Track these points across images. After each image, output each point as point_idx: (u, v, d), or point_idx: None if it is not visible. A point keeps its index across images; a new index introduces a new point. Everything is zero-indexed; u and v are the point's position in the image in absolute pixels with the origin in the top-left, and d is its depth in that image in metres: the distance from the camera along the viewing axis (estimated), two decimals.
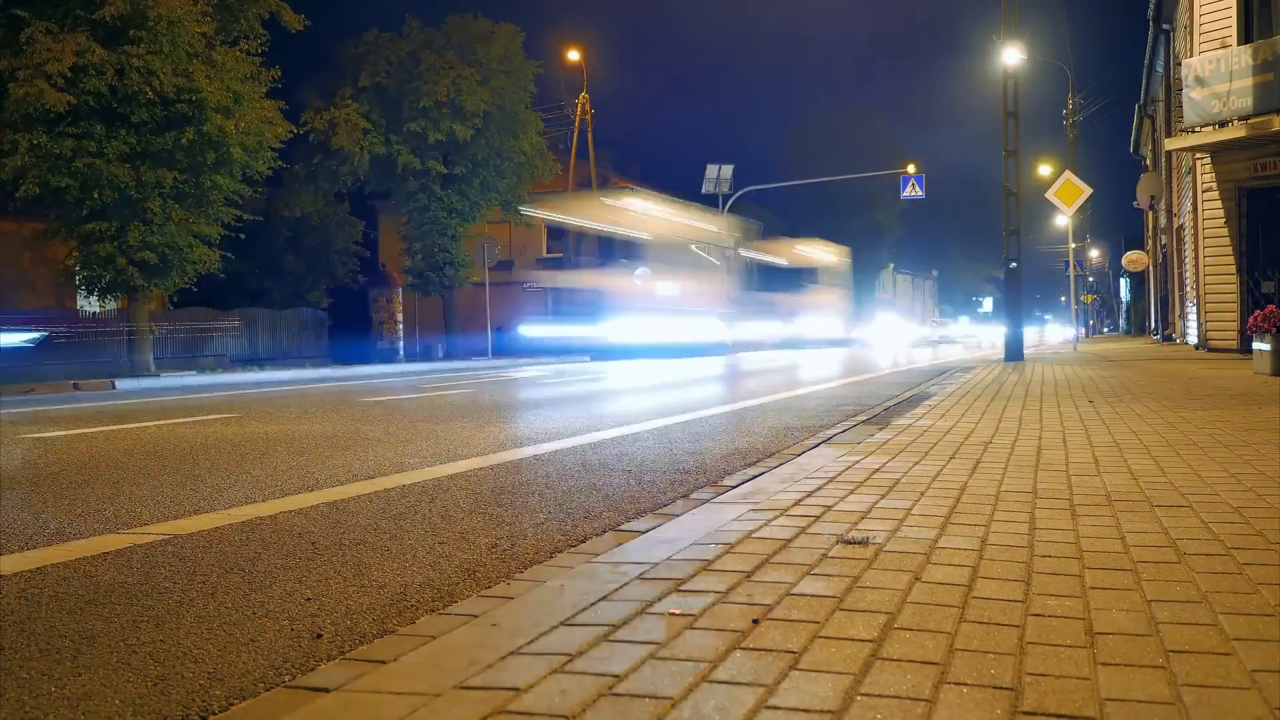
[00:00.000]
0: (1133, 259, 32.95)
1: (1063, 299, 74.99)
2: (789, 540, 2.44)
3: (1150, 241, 33.62)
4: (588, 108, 37.85)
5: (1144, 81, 28.61)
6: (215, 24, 18.10)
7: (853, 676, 1.48)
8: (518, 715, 1.39)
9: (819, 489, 3.21)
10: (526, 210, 26.75)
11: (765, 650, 1.61)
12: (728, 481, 3.52)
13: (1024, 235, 16.06)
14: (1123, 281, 53.58)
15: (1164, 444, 4.25)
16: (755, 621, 1.77)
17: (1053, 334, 56.45)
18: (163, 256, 18.10)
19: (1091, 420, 5.40)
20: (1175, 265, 23.74)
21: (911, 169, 36.85)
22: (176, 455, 5.43)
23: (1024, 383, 9.14)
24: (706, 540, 2.46)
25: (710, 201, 43.38)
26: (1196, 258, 16.85)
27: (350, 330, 27.91)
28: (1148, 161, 31.91)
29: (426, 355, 27.70)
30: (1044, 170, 42.09)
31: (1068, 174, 17.69)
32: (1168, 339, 25.44)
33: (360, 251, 35.06)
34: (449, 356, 27.31)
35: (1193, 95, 15.03)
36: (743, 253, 30.57)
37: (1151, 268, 33.06)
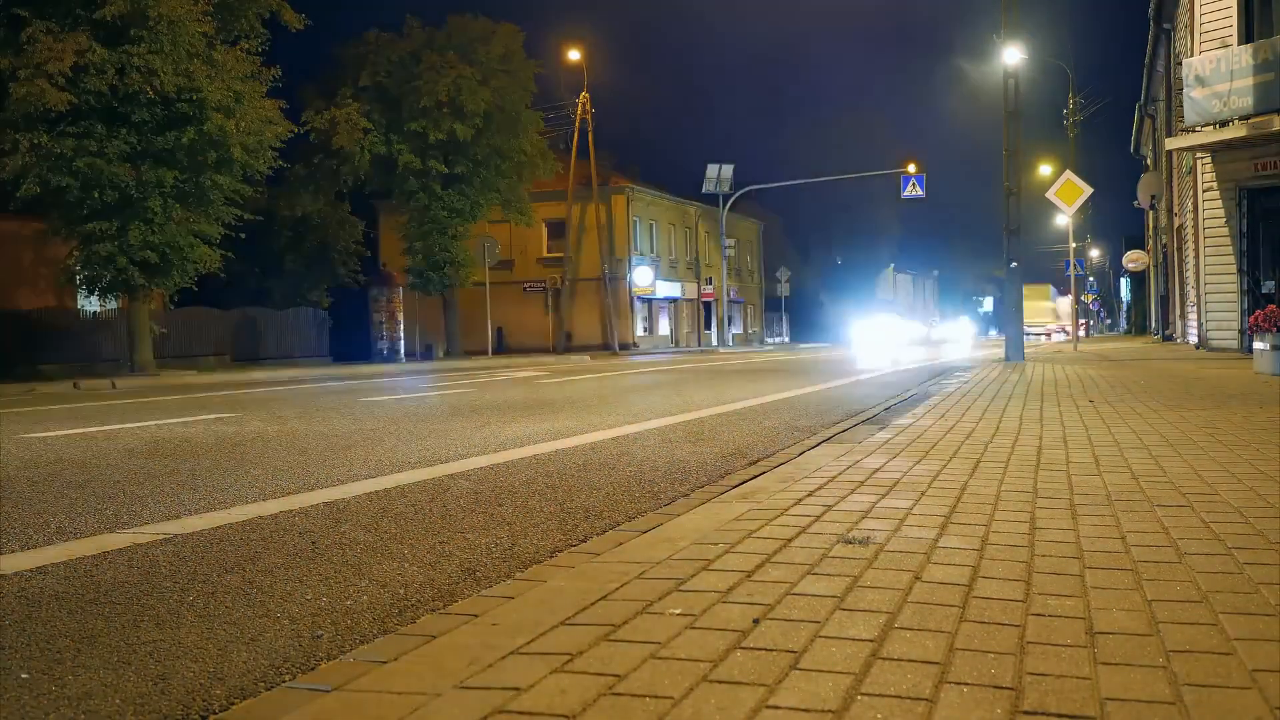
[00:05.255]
0: (1133, 259, 32.94)
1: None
2: (789, 540, 2.44)
3: (1150, 241, 33.58)
4: (588, 107, 37.85)
5: (1144, 81, 28.55)
6: (216, 23, 18.11)
7: (853, 676, 1.48)
8: (518, 715, 1.38)
9: (819, 488, 3.21)
10: None
11: (765, 650, 1.61)
12: (728, 480, 3.52)
13: (1024, 235, 16.05)
14: (1123, 281, 53.49)
15: (1165, 443, 4.24)
16: (756, 621, 1.77)
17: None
18: (163, 256, 18.11)
19: (1092, 420, 5.39)
20: (1175, 265, 23.72)
21: (912, 169, 36.85)
22: (176, 455, 5.43)
23: (1024, 382, 9.13)
24: (707, 539, 2.46)
25: (711, 201, 43.42)
26: (1197, 257, 16.84)
27: (351, 330, 27.88)
28: (1148, 161, 31.88)
29: (427, 355, 27.69)
30: (1044, 170, 42.12)
31: (1068, 174, 17.67)
32: (1168, 339, 25.42)
33: (361, 251, 35.02)
34: (449, 356, 27.31)
35: (1193, 95, 15.02)
36: None
37: (1152, 267, 33.03)
